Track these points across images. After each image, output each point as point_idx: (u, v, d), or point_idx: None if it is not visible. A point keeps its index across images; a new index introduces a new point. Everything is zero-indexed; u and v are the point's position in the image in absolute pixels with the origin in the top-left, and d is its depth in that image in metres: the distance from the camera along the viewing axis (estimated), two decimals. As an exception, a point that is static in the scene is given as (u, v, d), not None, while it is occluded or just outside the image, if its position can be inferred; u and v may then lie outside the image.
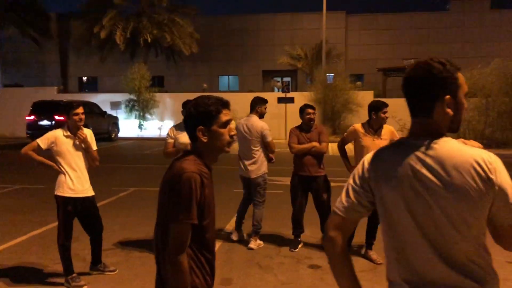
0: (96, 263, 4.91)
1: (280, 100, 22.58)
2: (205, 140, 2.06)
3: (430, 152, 1.54)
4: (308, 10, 38.32)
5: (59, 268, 4.74)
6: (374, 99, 5.64)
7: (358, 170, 1.74)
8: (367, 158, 1.74)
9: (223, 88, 37.70)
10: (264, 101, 5.61)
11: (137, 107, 24.47)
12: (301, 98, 22.76)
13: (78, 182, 4.53)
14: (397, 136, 5.23)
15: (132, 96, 24.30)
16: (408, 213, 1.56)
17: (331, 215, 1.72)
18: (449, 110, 1.58)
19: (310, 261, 5.29)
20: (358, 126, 5.24)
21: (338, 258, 1.67)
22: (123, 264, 5.11)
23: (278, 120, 23.03)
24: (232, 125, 2.16)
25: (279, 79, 37.73)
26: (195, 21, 31.54)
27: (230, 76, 38.68)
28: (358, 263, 5.00)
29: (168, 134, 5.40)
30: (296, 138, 5.57)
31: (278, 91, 33.62)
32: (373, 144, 4.87)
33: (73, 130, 4.49)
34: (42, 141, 4.44)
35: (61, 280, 4.63)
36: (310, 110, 5.58)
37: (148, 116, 24.59)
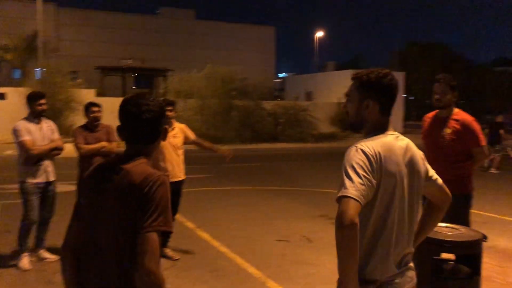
0: None
1: (-12, 96, 19.65)
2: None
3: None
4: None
5: None
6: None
7: (361, 158, 1.87)
8: (370, 149, 1.89)
9: None
10: None
11: None
12: (15, 94, 20.37)
13: None
14: (190, 132, 5.47)
15: None
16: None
17: (348, 202, 1.76)
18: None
19: None
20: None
21: (356, 244, 1.77)
22: None
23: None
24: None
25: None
26: None
27: None
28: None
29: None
30: (83, 138, 5.11)
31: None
32: (166, 142, 4.97)
33: None
34: None
35: None
36: (95, 108, 5.19)
37: None
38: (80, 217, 1.88)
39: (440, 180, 2.16)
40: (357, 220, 1.74)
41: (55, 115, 20.92)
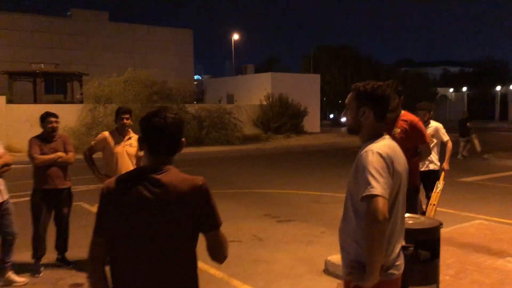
0: None
1: None
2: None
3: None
4: None
5: None
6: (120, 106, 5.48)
7: (380, 161, 2.13)
8: (383, 151, 2.19)
9: None
10: None
11: None
12: None
13: None
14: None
15: None
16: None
17: (378, 199, 2.03)
18: None
19: (65, 281, 4.85)
20: (106, 133, 5.14)
21: (385, 236, 2.06)
22: None
23: None
24: None
25: None
26: None
27: None
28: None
29: None
30: (38, 148, 4.93)
31: None
32: (123, 151, 4.94)
33: None
34: None
35: None
36: (53, 119, 5.03)
37: None
38: (106, 232, 1.94)
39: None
40: (387, 215, 2.01)
41: (-40, 124, 19.35)
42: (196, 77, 64.32)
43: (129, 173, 2.04)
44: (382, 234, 2.05)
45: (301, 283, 4.82)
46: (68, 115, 18.96)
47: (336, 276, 4.70)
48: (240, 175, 12.91)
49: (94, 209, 8.06)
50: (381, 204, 2.04)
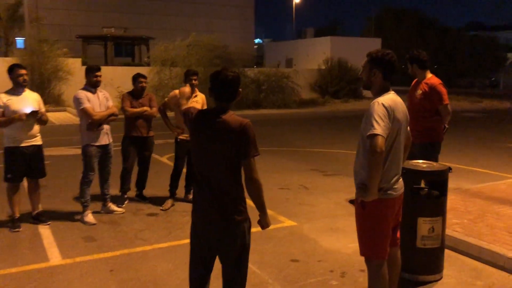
0: None
1: (-24, 66, 19.87)
2: (238, 98, 2.84)
3: None
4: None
5: None
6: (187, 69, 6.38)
7: (383, 109, 2.88)
8: (386, 103, 2.92)
9: None
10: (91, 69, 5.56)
11: None
12: (3, 64, 20.56)
13: None
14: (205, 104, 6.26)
15: None
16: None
17: (378, 137, 2.79)
18: None
19: (145, 212, 6.01)
20: (177, 91, 6.06)
21: (381, 163, 2.84)
22: None
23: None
24: None
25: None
26: None
27: None
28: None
29: None
30: (129, 103, 6.08)
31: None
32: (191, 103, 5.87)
33: None
34: None
35: None
36: (142, 79, 6.16)
37: None
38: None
39: (408, 128, 3.23)
40: (384, 148, 2.78)
41: (43, 84, 21.34)
42: (256, 40, 64.79)
43: (203, 111, 2.92)
44: (379, 162, 2.81)
45: (338, 221, 5.64)
46: (137, 77, 20.43)
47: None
48: (294, 135, 13.70)
49: (163, 159, 9.25)
50: (380, 141, 2.80)
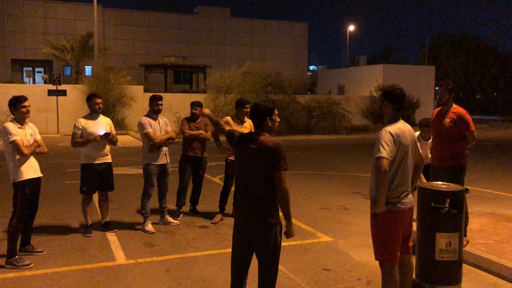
0: (25, 245, 5.31)
1: (51, 92, 21.85)
2: (270, 125, 3.50)
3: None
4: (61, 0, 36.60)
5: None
6: (239, 98, 7.22)
7: (389, 136, 3.46)
8: (393, 131, 3.49)
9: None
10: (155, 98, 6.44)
11: None
12: (74, 91, 22.51)
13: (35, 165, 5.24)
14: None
15: None
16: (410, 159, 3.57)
17: (383, 159, 3.36)
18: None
19: (197, 224, 6.76)
20: (229, 118, 6.84)
21: (386, 181, 3.39)
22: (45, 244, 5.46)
23: (47, 114, 22.20)
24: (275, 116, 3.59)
25: (29, 68, 35.22)
26: None
27: (-32, 64, 34.10)
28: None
29: (75, 126, 6.05)
30: (187, 126, 6.97)
31: (30, 82, 31.49)
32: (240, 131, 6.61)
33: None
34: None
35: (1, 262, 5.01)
36: (197, 107, 7.03)
37: None
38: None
39: (420, 150, 3.76)
40: (387, 169, 3.36)
41: (108, 110, 23.02)
42: (311, 67, 65.82)
43: (245, 134, 3.62)
44: (384, 180, 3.38)
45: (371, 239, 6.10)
46: (194, 103, 21.65)
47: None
48: (342, 161, 14.15)
49: (215, 179, 10.03)
50: (384, 163, 3.38)
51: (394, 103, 3.62)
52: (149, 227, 6.33)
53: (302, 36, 44.85)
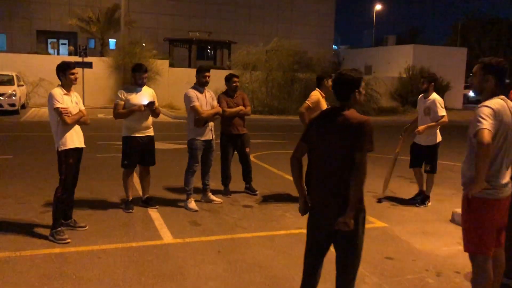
0: (67, 219, 5.06)
1: (77, 64, 21.51)
2: (358, 98, 3.06)
3: None
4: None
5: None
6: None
7: (489, 110, 3.05)
8: (493, 106, 3.06)
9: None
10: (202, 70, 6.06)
11: None
12: (99, 63, 22.26)
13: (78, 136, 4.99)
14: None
15: None
16: None
17: (485, 131, 2.92)
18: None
19: (240, 203, 6.46)
20: (318, 93, 6.24)
21: (490, 156, 2.99)
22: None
23: (74, 86, 21.99)
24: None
25: (54, 40, 35.08)
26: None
27: (-6, 34, 34.14)
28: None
29: (118, 96, 5.72)
30: (226, 103, 6.52)
31: (54, 53, 31.37)
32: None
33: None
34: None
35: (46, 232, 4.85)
36: (236, 79, 6.61)
37: None
38: (308, 141, 3.14)
39: None
40: (491, 141, 2.93)
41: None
42: (335, 47, 64.41)
43: (326, 110, 3.22)
44: (487, 154, 2.96)
45: (428, 225, 5.73)
46: (218, 80, 21.18)
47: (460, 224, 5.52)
48: (377, 142, 13.64)
49: (259, 162, 9.65)
50: (486, 134, 2.96)
51: (498, 77, 3.19)
52: (192, 204, 6.04)
53: (329, 14, 43.76)
